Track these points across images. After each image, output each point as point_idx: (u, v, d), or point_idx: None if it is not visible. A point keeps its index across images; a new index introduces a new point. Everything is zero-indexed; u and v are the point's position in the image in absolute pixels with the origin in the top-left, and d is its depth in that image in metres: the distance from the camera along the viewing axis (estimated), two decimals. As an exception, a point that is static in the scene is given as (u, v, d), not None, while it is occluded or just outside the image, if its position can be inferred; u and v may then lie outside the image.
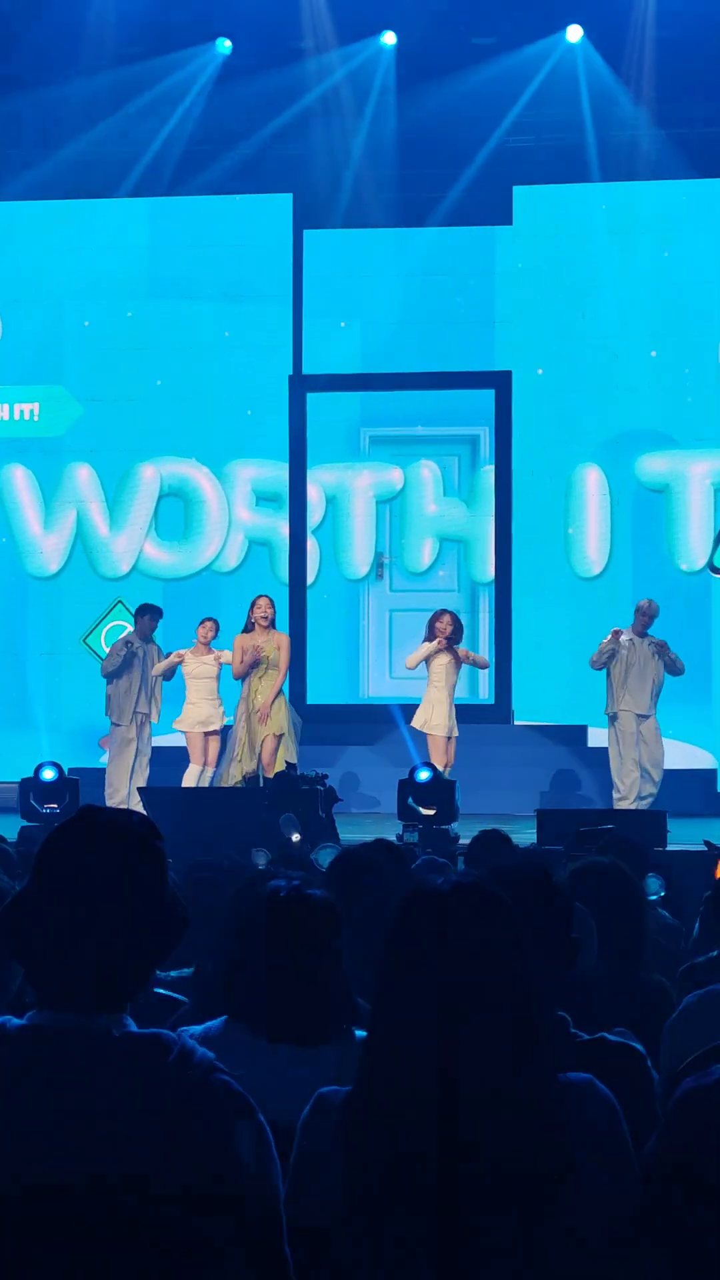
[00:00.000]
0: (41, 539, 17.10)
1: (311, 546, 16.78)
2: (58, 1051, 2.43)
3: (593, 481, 16.49)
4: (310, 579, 16.74)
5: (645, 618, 14.53)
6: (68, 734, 16.73)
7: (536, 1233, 2.38)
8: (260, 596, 14.55)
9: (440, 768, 13.70)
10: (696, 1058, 2.90)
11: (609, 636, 14.51)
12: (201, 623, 14.72)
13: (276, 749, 13.97)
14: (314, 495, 16.82)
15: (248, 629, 14.36)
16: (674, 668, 14.46)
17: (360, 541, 16.93)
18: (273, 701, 14.13)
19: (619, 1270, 2.22)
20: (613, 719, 14.44)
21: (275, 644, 14.23)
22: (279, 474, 16.88)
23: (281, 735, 14.07)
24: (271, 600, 14.56)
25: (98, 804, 3.34)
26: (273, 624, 14.37)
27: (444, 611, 14.65)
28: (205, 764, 14.50)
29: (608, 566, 16.52)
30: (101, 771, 15.13)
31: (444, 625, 14.35)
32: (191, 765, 14.55)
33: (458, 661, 14.38)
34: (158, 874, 2.51)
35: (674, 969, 5.26)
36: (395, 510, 16.93)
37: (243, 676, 14.23)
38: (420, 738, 14.38)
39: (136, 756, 14.74)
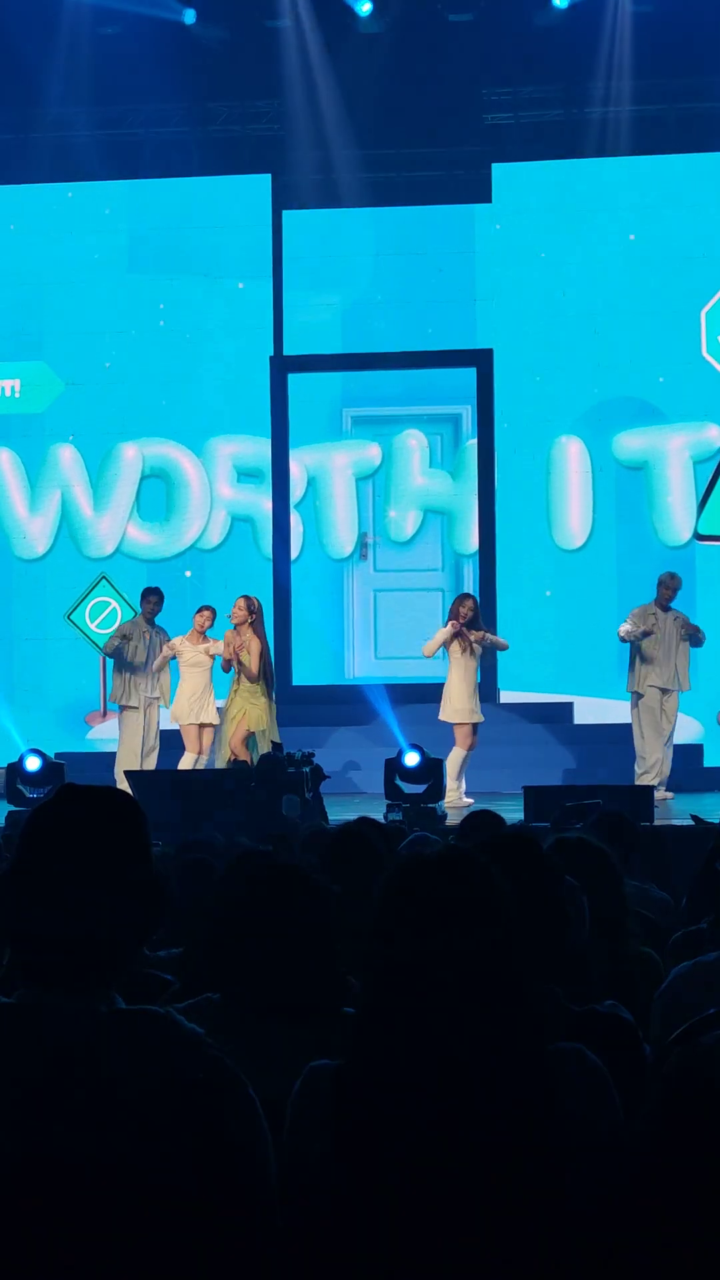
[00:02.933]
0: (28, 521, 17.06)
1: (295, 522, 16.76)
2: (46, 1030, 2.42)
3: (574, 454, 16.51)
4: (294, 555, 16.71)
5: (669, 591, 14.47)
6: (56, 713, 16.72)
7: (527, 1199, 2.38)
8: (239, 598, 14.36)
9: (464, 752, 13.86)
10: (687, 1028, 2.89)
11: (639, 612, 14.42)
12: (199, 610, 14.60)
13: (245, 740, 13.92)
14: (296, 473, 16.79)
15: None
16: (695, 639, 14.47)
17: (343, 520, 16.91)
18: (241, 701, 14.05)
19: (610, 1234, 2.22)
20: (637, 696, 14.42)
21: (247, 648, 14.04)
22: (260, 449, 16.84)
23: (254, 732, 13.98)
24: (248, 601, 14.33)
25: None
26: (248, 625, 14.13)
27: (466, 596, 14.62)
28: (200, 752, 14.41)
29: (590, 539, 16.54)
30: (90, 755, 15.11)
31: (466, 610, 14.28)
32: (186, 753, 14.47)
33: (473, 647, 14.29)
34: (139, 850, 2.51)
35: (663, 942, 5.26)
36: (380, 481, 16.92)
37: (227, 671, 14.18)
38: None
39: (144, 745, 14.61)
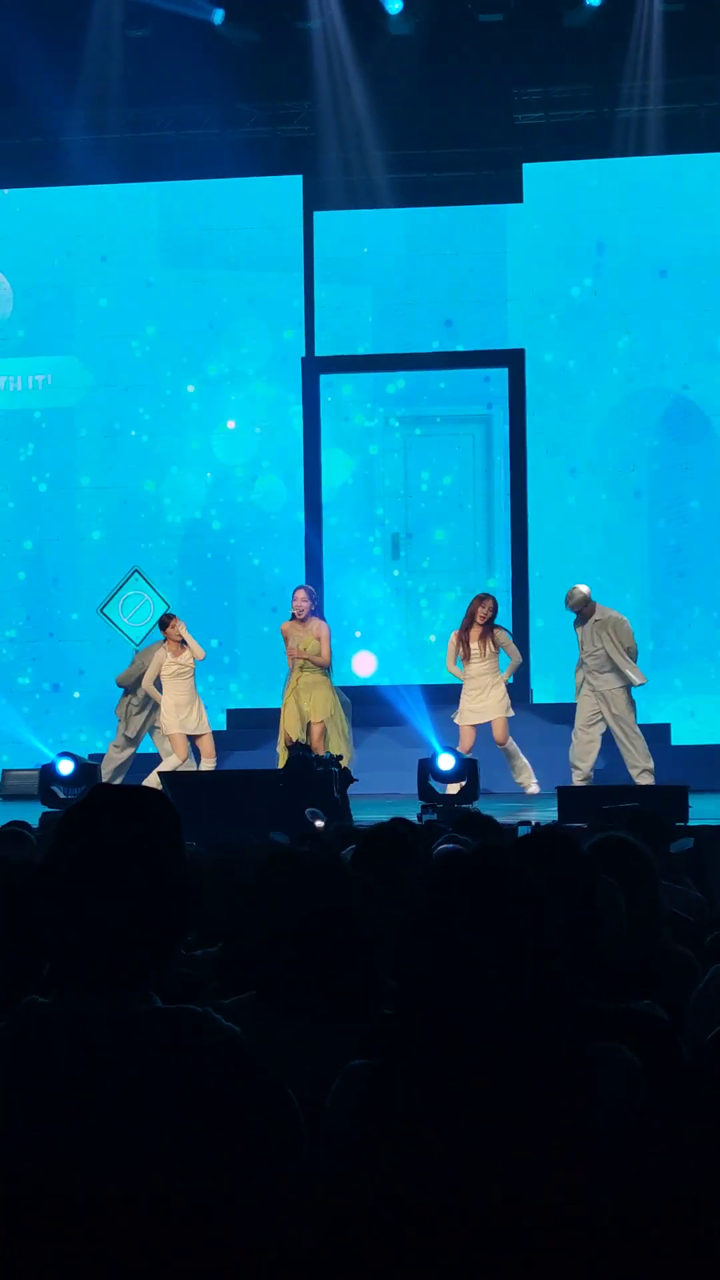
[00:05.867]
0: None
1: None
2: (83, 1030, 2.42)
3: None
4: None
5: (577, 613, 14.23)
6: (87, 710, 16.75)
7: (564, 1199, 2.37)
8: (298, 588, 14.41)
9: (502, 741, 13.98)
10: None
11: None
12: (169, 621, 14.49)
13: (323, 734, 13.90)
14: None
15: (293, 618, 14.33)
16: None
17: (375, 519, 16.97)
18: (322, 692, 14.07)
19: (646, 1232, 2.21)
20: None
21: (314, 634, 14.10)
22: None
23: (325, 721, 13.98)
24: (309, 591, 14.38)
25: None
26: (313, 613, 14.20)
27: (486, 596, 14.45)
28: (187, 759, 14.37)
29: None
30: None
31: (486, 610, 14.18)
32: (173, 756, 14.40)
33: (493, 647, 14.23)
34: (172, 849, 2.50)
35: (699, 942, 5.24)
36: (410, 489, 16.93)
37: (292, 666, 14.22)
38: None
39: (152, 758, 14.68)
